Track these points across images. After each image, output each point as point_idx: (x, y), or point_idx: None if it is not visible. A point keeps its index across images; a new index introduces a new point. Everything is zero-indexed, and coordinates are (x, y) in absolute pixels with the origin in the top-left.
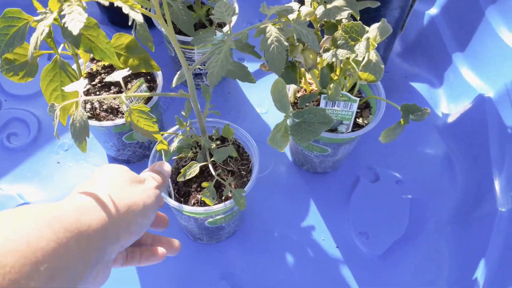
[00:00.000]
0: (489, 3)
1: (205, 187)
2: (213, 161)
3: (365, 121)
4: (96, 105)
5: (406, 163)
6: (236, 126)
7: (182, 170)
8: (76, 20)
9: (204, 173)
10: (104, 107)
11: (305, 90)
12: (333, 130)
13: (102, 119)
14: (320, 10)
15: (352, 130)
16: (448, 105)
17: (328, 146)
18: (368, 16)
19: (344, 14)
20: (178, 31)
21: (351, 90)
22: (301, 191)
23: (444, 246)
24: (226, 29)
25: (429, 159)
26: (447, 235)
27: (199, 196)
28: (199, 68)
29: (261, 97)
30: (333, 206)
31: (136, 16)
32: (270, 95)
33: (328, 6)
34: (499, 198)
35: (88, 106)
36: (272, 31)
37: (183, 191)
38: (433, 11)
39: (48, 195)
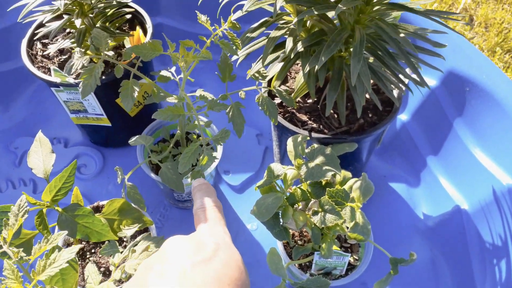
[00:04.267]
0: (456, 115)
1: None
2: None
3: (356, 257)
4: None
5: None
6: None
7: None
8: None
9: None
10: (102, 269)
11: None
12: (328, 273)
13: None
14: (303, 171)
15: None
16: (427, 207)
17: None
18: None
19: (328, 175)
20: None
21: None
22: None
23: None
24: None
25: (415, 266)
26: None
27: None
28: (187, 196)
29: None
30: None
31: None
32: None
33: (310, 164)
34: None
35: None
36: None
37: None
38: (404, 117)
39: None
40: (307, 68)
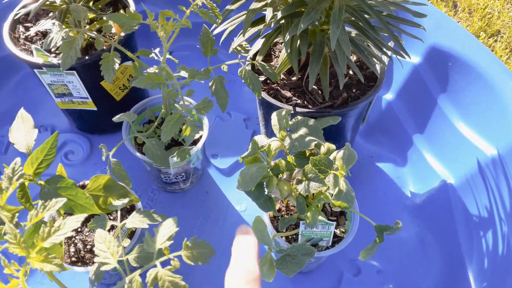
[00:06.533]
0: (440, 91)
1: None
2: None
3: (342, 229)
4: (80, 246)
5: (383, 250)
6: None
7: None
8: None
9: None
10: (88, 247)
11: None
12: (314, 245)
13: (87, 261)
14: (287, 142)
15: (332, 242)
16: (414, 185)
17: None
18: (331, 125)
19: (311, 145)
20: None
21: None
22: None
23: None
24: (200, 145)
25: (403, 243)
26: None
27: None
28: (175, 177)
29: (239, 194)
30: None
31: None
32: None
33: (294, 135)
34: None
35: (72, 249)
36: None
37: None
38: (389, 96)
39: None
40: (288, 37)
